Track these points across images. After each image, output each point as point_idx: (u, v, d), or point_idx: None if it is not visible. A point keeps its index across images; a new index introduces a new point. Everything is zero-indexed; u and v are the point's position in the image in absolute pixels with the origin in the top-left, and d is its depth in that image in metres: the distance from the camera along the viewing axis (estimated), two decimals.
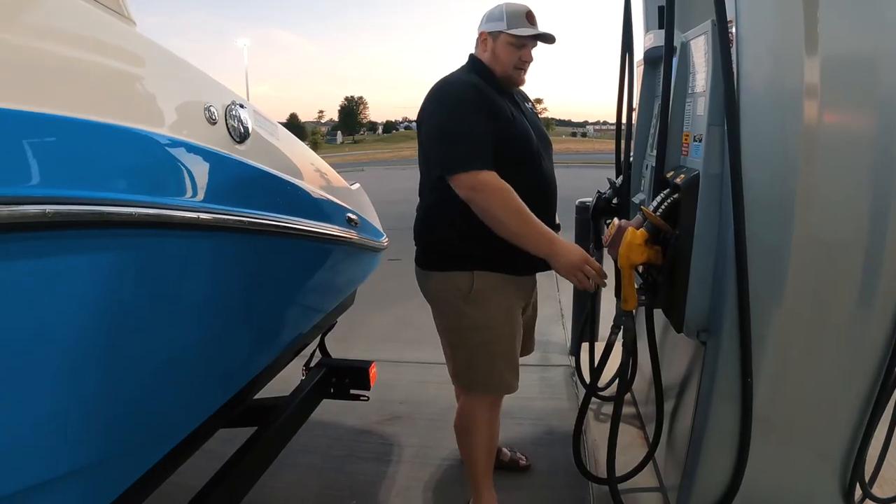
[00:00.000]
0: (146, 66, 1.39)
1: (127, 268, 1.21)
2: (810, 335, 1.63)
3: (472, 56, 2.18)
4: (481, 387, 2.22)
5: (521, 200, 1.88)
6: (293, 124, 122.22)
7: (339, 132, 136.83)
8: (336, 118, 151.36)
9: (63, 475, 1.15)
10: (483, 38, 2.12)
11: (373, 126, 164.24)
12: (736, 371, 1.64)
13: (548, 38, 2.12)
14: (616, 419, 1.95)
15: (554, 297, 5.46)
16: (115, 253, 1.17)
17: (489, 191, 1.87)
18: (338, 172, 2.68)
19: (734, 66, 1.51)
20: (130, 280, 1.23)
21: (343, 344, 4.42)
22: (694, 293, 1.69)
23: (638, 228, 1.77)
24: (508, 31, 2.06)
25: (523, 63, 2.12)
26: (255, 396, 2.28)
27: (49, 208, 0.97)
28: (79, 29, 1.21)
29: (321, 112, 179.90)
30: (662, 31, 1.82)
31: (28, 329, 1.02)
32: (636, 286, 1.83)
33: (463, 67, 2.17)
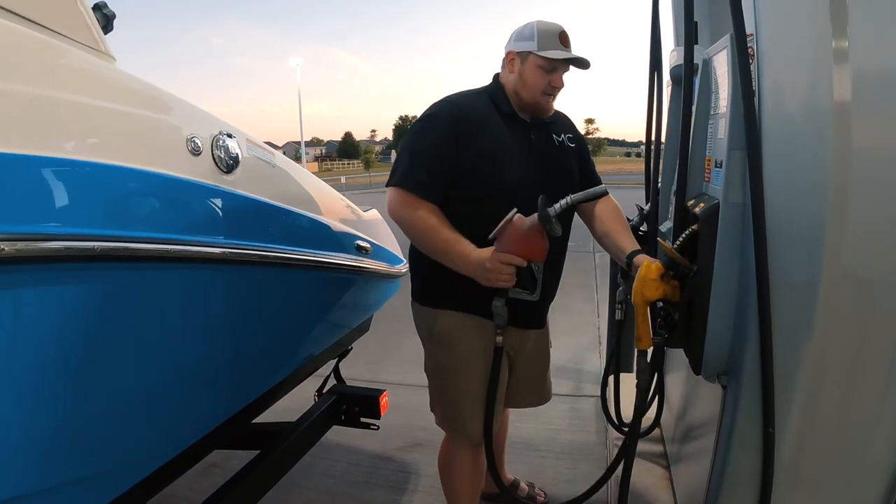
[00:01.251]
0: (123, 101, 1.38)
1: (114, 297, 1.27)
2: (842, 381, 1.44)
3: (496, 76, 2.03)
4: (444, 426, 2.14)
5: (432, 222, 1.81)
6: (348, 143, 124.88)
7: (393, 150, 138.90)
8: (391, 137, 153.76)
9: (53, 486, 1.22)
10: (510, 57, 1.96)
11: None
12: (757, 419, 1.48)
13: (582, 63, 1.92)
14: (629, 462, 1.80)
15: (593, 324, 5.29)
16: (105, 284, 1.24)
17: (401, 211, 1.83)
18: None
19: (754, 83, 1.38)
20: (118, 309, 1.28)
21: (374, 366, 4.41)
22: (713, 333, 1.56)
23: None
24: (539, 53, 1.87)
25: (553, 89, 1.92)
26: (265, 420, 2.25)
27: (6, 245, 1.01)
28: (55, 69, 1.22)
29: (374, 131, 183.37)
30: (695, 47, 1.71)
31: (32, 346, 1.11)
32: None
33: (482, 87, 2.04)
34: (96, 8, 1.53)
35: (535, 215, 1.65)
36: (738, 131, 1.44)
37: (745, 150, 1.42)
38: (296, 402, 2.58)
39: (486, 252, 1.73)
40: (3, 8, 1.17)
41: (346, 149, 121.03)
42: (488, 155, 1.84)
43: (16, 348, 1.08)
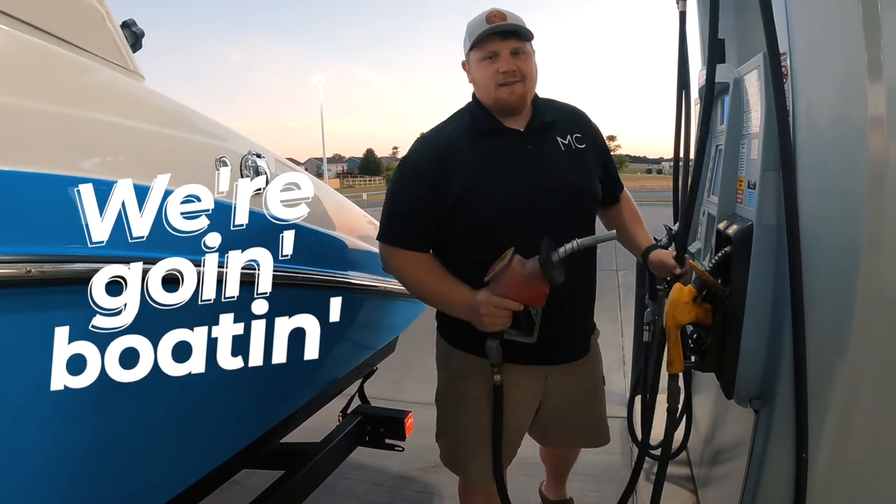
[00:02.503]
0: (153, 120, 1.38)
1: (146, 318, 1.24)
2: (878, 407, 1.40)
3: (473, 93, 1.84)
4: (446, 464, 2.02)
5: (423, 273, 1.73)
6: (369, 159, 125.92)
7: None
8: None
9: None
10: (465, 69, 1.80)
11: None
12: (790, 445, 1.45)
13: (505, 31, 1.66)
14: (659, 486, 1.76)
15: (617, 344, 5.22)
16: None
17: (391, 264, 1.79)
18: None
19: (788, 102, 1.36)
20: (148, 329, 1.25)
21: (396, 385, 4.38)
22: (746, 356, 1.53)
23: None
24: (472, 45, 1.70)
25: (504, 76, 1.66)
26: (289, 439, 2.23)
27: (42, 267, 1.03)
28: (84, 87, 1.24)
29: (395, 148, 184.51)
30: (718, 67, 1.68)
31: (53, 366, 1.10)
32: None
33: (463, 107, 1.85)
34: (125, 26, 1.55)
35: (536, 259, 1.53)
36: (771, 152, 1.42)
37: (779, 170, 1.39)
38: (318, 422, 2.56)
39: (482, 295, 1.60)
40: (34, 26, 1.19)
41: (368, 165, 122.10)
42: (469, 188, 1.66)
43: (48, 369, 1.09)
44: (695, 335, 1.73)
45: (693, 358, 1.70)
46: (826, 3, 1.37)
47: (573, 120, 1.83)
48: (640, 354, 3.50)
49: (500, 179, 1.68)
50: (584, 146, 1.78)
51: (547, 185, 1.69)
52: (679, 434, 2.60)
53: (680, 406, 2.28)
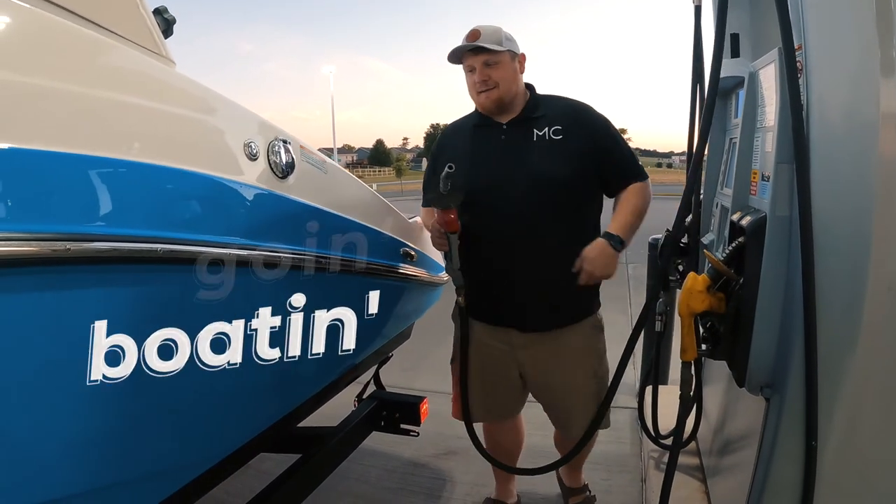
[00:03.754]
0: (184, 104, 1.42)
1: (174, 298, 1.31)
2: (888, 396, 1.43)
3: None
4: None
5: (426, 218, 2.34)
6: (379, 150, 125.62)
7: (424, 159, 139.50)
8: (422, 145, 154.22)
9: (109, 485, 1.26)
10: None
11: None
12: (800, 432, 1.48)
13: (479, 49, 2.01)
14: (670, 474, 1.80)
15: (627, 336, 5.24)
16: (157, 286, 1.27)
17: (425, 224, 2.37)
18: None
19: (803, 97, 1.39)
20: (178, 310, 1.31)
21: (409, 373, 4.42)
22: (758, 345, 1.55)
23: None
24: (460, 62, 2.11)
25: (480, 84, 2.05)
26: (305, 424, 2.28)
27: (79, 245, 1.06)
28: (120, 71, 1.26)
29: (405, 139, 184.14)
30: (733, 61, 1.71)
31: (85, 344, 1.13)
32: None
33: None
34: (157, 13, 1.58)
35: None
36: (785, 145, 1.44)
37: (792, 163, 1.42)
38: (333, 410, 2.60)
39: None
40: (70, 11, 1.22)
41: (378, 156, 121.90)
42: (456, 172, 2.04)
43: (76, 347, 1.12)
44: (708, 324, 1.76)
45: (705, 346, 1.73)
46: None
47: (565, 115, 2.10)
48: (650, 345, 3.53)
49: (476, 162, 2.09)
50: (560, 138, 2.05)
51: (512, 168, 2.04)
52: (689, 424, 2.64)
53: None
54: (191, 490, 1.55)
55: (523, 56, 2.13)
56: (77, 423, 1.16)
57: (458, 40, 2.06)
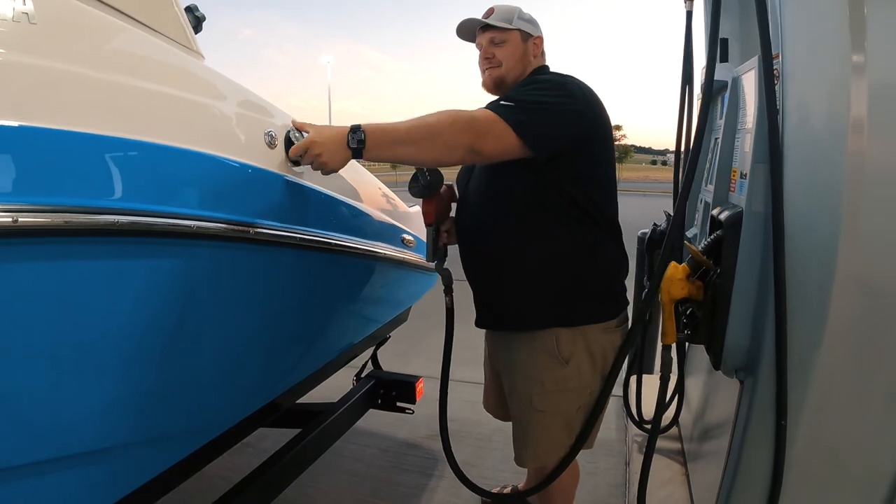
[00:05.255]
0: (212, 95, 1.53)
1: (185, 274, 1.38)
2: (853, 381, 1.55)
3: None
4: None
5: None
6: None
7: None
8: None
9: (119, 445, 1.34)
10: None
11: None
12: (771, 412, 1.59)
13: (483, 26, 1.92)
14: (649, 454, 1.92)
15: None
16: (179, 260, 1.35)
17: None
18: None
19: (779, 101, 1.50)
20: (190, 284, 1.39)
21: (401, 358, 4.52)
22: (732, 331, 1.66)
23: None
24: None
25: (484, 62, 1.94)
26: (305, 401, 2.39)
27: (122, 219, 1.16)
28: (155, 63, 1.38)
29: None
30: (719, 66, 1.82)
31: (107, 318, 1.22)
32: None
33: None
34: (188, 10, 1.69)
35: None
36: (762, 146, 1.55)
37: (767, 163, 1.53)
38: (331, 391, 2.72)
39: None
40: (113, 7, 1.33)
41: None
42: None
43: (112, 315, 1.23)
44: (689, 310, 1.88)
45: (687, 332, 1.84)
46: (816, 11, 1.49)
47: None
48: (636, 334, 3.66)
49: None
50: None
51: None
52: (671, 411, 2.76)
53: (673, 384, 2.44)
54: (193, 460, 1.65)
55: (539, 39, 1.96)
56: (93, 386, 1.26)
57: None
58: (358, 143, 1.57)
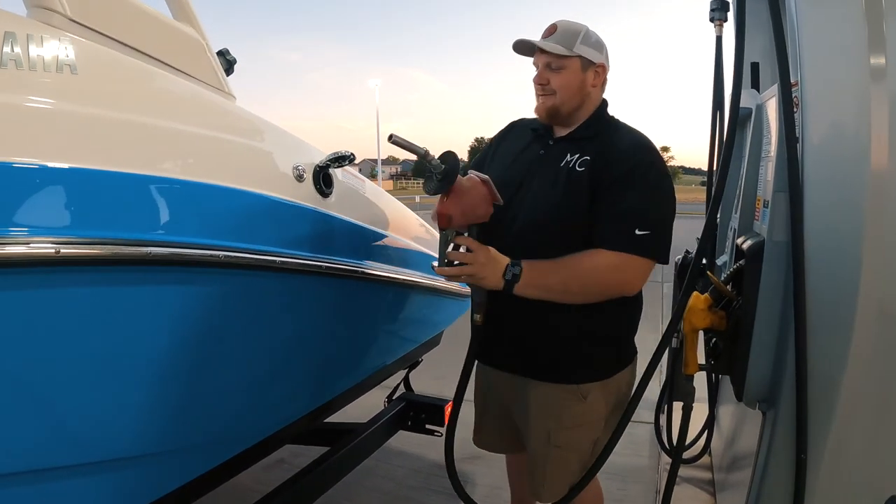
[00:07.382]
0: (242, 133, 1.63)
1: (216, 299, 1.48)
2: (874, 415, 1.51)
3: None
4: None
5: None
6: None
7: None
8: (466, 158, 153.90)
9: (154, 453, 1.44)
10: None
11: None
12: (791, 445, 1.55)
13: (541, 48, 1.73)
14: (670, 483, 1.90)
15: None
16: (214, 287, 1.45)
17: None
18: None
19: (798, 130, 1.49)
20: (220, 309, 1.49)
21: (440, 381, 4.53)
22: (755, 362, 1.64)
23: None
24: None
25: (538, 87, 1.77)
26: (336, 419, 2.45)
27: (156, 250, 1.26)
28: (188, 105, 1.50)
29: None
30: (745, 92, 1.81)
31: (149, 339, 1.33)
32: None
33: None
34: (220, 54, 1.80)
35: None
36: (783, 174, 1.53)
37: (787, 192, 1.51)
38: (364, 410, 2.76)
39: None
40: (152, 57, 1.45)
41: (421, 169, 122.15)
42: (486, 163, 1.96)
43: (152, 336, 1.32)
44: (713, 340, 1.86)
45: (711, 361, 1.82)
46: (833, 40, 1.50)
47: (600, 147, 1.73)
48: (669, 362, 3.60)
49: (505, 167, 1.87)
50: (583, 170, 1.71)
51: (525, 193, 1.77)
52: (703, 439, 2.71)
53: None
54: (219, 471, 1.73)
55: (602, 67, 1.76)
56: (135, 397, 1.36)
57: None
58: (513, 276, 1.62)
